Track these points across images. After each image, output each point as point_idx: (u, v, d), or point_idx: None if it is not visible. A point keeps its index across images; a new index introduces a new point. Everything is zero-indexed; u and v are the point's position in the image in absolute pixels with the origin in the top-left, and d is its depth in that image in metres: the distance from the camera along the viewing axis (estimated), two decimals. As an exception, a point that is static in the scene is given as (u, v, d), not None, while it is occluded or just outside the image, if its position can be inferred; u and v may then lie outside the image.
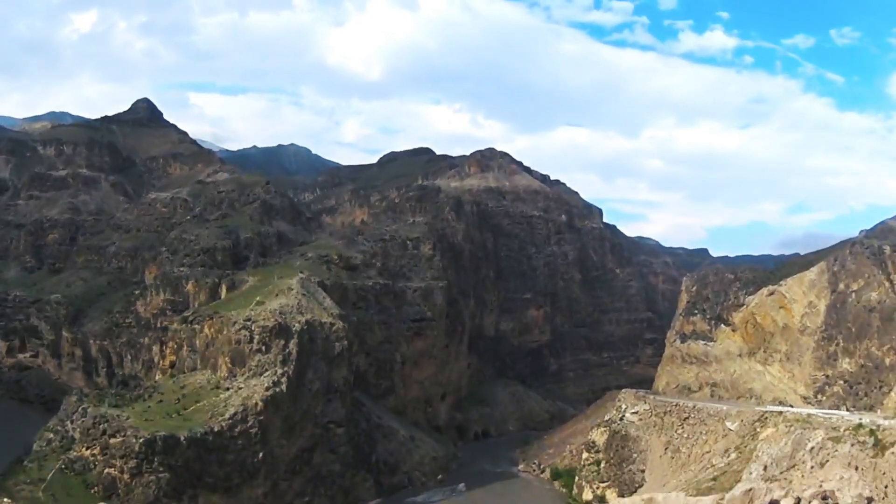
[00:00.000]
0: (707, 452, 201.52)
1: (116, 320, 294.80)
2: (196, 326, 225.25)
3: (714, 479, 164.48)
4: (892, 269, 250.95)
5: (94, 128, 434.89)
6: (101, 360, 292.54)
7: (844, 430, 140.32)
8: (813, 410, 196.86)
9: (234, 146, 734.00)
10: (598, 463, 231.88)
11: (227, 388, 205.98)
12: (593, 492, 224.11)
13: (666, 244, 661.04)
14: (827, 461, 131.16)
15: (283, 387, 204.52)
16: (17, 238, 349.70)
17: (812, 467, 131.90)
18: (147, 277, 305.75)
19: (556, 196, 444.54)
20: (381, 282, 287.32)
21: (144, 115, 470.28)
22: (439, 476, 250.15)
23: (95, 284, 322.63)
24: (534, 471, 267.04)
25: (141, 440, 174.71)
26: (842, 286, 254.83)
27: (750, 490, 60.37)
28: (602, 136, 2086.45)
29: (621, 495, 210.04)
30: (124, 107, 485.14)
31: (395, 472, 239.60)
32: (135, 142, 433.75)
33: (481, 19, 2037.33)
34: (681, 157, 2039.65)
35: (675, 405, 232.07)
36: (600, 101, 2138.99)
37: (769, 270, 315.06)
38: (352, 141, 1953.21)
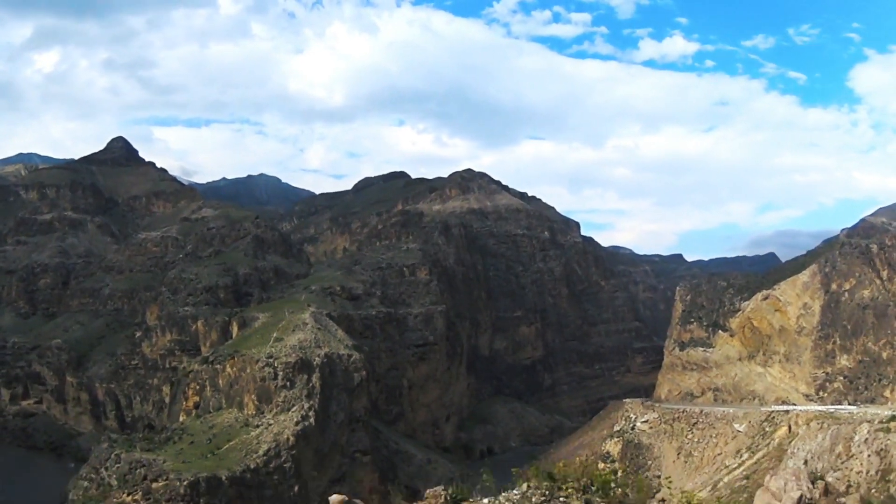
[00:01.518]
0: (719, 454, 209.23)
1: (122, 362, 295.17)
2: (217, 366, 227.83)
3: (746, 477, 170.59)
4: (880, 266, 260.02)
5: (74, 169, 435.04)
6: (109, 403, 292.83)
7: (889, 422, 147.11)
8: (822, 407, 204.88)
9: (202, 179, 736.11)
10: (614, 473, 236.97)
11: (258, 426, 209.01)
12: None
13: (638, 252, 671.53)
14: (882, 448, 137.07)
15: (312, 420, 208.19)
16: (9, 284, 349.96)
17: (869, 455, 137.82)
18: (149, 318, 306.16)
19: (537, 213, 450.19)
20: (383, 310, 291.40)
21: (121, 154, 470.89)
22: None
23: (94, 327, 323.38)
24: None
25: (185, 483, 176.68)
26: (834, 286, 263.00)
27: None
28: (567, 147, 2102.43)
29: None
30: (89, 144, 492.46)
31: (416, 496, 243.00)
32: (114, 181, 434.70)
33: (441, 39, 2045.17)
34: (647, 164, 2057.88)
35: (683, 411, 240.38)
36: (564, 114, 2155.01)
37: (761, 275, 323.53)
38: (317, 167, 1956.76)
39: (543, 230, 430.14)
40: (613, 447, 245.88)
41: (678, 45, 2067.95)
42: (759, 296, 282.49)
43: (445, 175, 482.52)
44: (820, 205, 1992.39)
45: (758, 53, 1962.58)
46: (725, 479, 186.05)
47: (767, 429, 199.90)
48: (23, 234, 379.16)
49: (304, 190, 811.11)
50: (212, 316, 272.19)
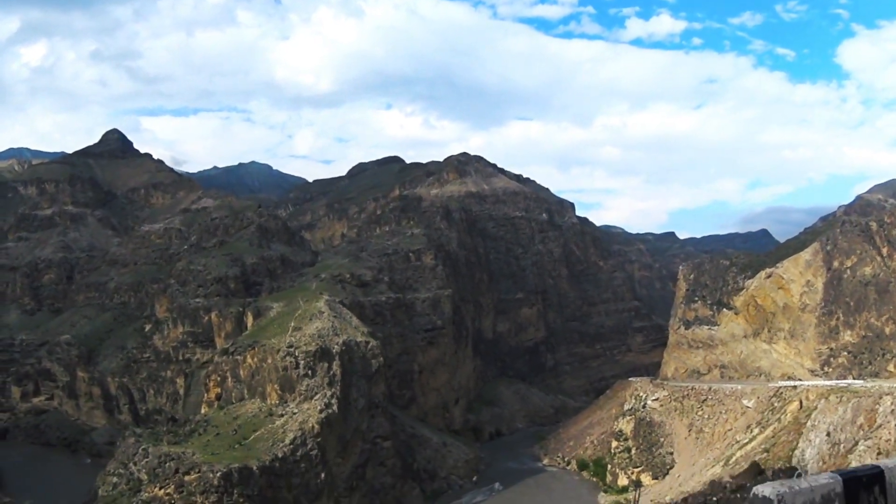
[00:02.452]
0: (729, 430, 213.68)
1: (134, 356, 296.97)
2: (238, 357, 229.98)
3: (766, 451, 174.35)
4: (880, 243, 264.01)
5: (72, 163, 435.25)
6: (122, 396, 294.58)
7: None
8: (830, 382, 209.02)
9: (192, 168, 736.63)
10: (628, 450, 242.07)
11: (282, 415, 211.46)
12: (628, 477, 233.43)
13: (630, 230, 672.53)
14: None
15: (335, 407, 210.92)
16: (13, 281, 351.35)
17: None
18: (158, 311, 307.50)
19: (534, 195, 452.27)
20: (392, 296, 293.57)
21: (116, 146, 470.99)
22: (474, 478, 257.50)
23: (101, 322, 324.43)
24: (559, 463, 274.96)
25: (218, 474, 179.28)
26: (836, 264, 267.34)
27: None
28: (555, 127, 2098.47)
29: (655, 478, 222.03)
30: (78, 137, 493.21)
31: (434, 478, 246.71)
32: (111, 174, 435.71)
33: (427, 22, 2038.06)
34: (636, 142, 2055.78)
35: (692, 389, 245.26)
36: (551, 94, 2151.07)
37: (763, 254, 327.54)
38: (306, 153, 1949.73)
39: (541, 212, 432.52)
40: (626, 425, 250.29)
41: (665, 24, 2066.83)
42: (762, 274, 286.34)
43: (437, 158, 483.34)
44: (810, 181, 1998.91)
45: (745, 31, 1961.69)
46: (738, 454, 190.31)
47: (776, 404, 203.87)
48: (24, 229, 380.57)
49: (295, 177, 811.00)
50: (225, 307, 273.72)
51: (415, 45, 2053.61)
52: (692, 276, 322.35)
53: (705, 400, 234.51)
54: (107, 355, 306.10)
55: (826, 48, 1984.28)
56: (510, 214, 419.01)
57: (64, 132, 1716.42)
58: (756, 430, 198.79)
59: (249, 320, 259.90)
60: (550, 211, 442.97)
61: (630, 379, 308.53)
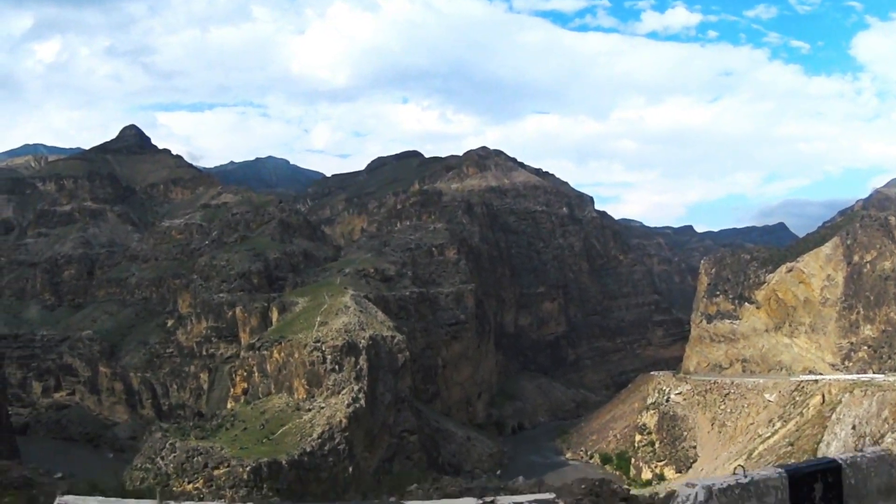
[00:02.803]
0: (751, 424, 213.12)
1: (156, 351, 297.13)
2: (265, 352, 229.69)
3: (791, 444, 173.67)
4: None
5: (90, 159, 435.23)
6: (145, 391, 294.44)
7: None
8: (852, 376, 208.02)
9: (208, 163, 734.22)
10: (651, 444, 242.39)
11: (309, 409, 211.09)
12: (652, 471, 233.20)
13: (648, 224, 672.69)
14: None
15: (362, 402, 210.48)
16: (33, 277, 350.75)
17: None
18: (181, 306, 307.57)
19: (555, 189, 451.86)
20: (416, 290, 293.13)
21: (134, 141, 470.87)
22: (498, 472, 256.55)
23: (123, 317, 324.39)
24: (582, 457, 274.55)
25: (248, 468, 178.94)
26: (856, 258, 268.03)
27: None
28: (572, 121, 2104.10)
29: (678, 471, 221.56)
30: (93, 133, 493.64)
31: (459, 472, 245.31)
32: (130, 170, 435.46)
33: (443, 16, 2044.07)
34: (653, 135, 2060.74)
35: (714, 383, 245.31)
36: (567, 87, 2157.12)
37: (784, 248, 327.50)
38: (323, 147, 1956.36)
39: (561, 206, 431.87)
40: (650, 419, 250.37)
41: (681, 17, 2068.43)
42: (783, 268, 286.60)
43: (455, 152, 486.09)
44: (826, 174, 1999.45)
45: (760, 23, 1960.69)
46: (760, 448, 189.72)
47: (798, 398, 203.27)
48: (43, 225, 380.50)
49: (312, 171, 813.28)
50: (250, 302, 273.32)
51: (431, 38, 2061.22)
52: (714, 270, 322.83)
53: (728, 394, 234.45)
54: (129, 350, 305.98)
55: (840, 41, 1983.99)
56: (531, 208, 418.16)
57: (79, 128, 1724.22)
58: (778, 424, 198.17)
59: (275, 315, 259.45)
60: (571, 205, 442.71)
61: (651, 373, 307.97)
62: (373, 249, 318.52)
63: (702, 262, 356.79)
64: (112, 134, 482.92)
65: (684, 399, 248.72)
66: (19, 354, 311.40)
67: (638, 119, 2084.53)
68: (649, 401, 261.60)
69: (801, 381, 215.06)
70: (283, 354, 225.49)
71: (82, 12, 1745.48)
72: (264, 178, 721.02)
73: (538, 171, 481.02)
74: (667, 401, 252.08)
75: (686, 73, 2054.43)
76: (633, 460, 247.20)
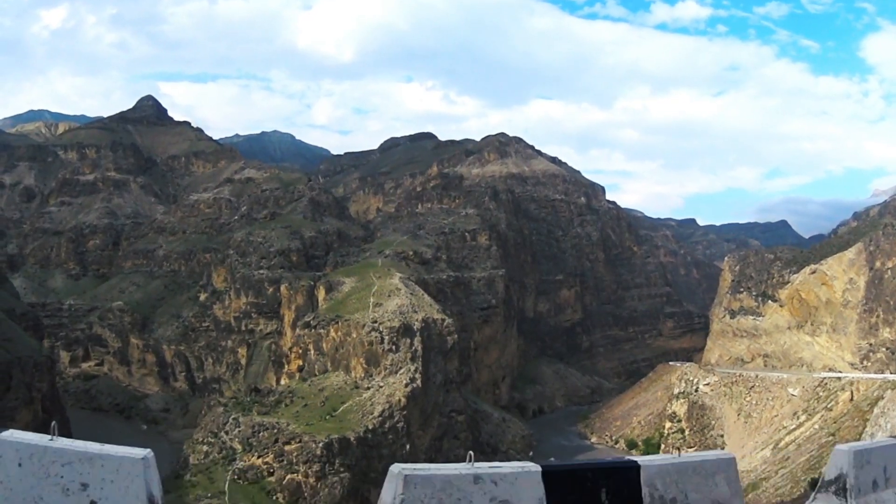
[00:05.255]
0: (776, 416, 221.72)
1: (191, 324, 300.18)
2: (321, 331, 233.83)
3: (832, 434, 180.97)
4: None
5: (111, 129, 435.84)
6: (179, 364, 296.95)
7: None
8: (876, 375, 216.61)
9: (211, 135, 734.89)
10: (681, 431, 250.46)
11: (368, 388, 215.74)
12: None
13: (650, 215, 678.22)
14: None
15: (419, 382, 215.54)
16: (58, 245, 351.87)
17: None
18: (215, 280, 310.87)
19: (573, 178, 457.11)
20: (452, 274, 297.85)
21: (151, 112, 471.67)
22: (530, 453, 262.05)
23: (151, 289, 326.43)
24: (607, 442, 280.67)
25: (321, 444, 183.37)
26: (878, 264, 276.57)
27: None
28: (576, 108, 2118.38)
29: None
30: (96, 100, 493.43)
31: (496, 452, 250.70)
32: (150, 141, 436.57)
33: None
34: (655, 126, 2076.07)
35: (740, 375, 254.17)
36: (573, 74, 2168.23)
37: (806, 250, 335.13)
38: (324, 123, 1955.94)
39: (579, 195, 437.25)
40: (679, 408, 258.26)
41: (691, 10, 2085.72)
42: (807, 269, 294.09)
43: (457, 133, 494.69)
44: (828, 172, 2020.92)
45: (770, 20, 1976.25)
46: (786, 439, 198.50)
47: (821, 394, 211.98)
48: (66, 194, 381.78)
49: (318, 147, 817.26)
50: (296, 280, 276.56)
51: (438, 19, 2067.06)
52: (738, 267, 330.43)
53: (753, 387, 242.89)
54: (161, 323, 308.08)
55: (850, 42, 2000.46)
56: (550, 197, 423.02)
57: (82, 95, 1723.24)
58: (803, 417, 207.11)
59: (321, 294, 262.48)
60: (588, 194, 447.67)
61: (670, 363, 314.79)
62: (408, 232, 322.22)
63: (726, 258, 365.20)
64: (115, 101, 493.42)
65: (712, 390, 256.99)
66: (47, 323, 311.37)
67: (642, 109, 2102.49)
68: (676, 390, 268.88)
69: (824, 377, 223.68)
70: (340, 333, 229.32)
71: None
72: (269, 152, 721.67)
73: (554, 160, 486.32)
74: (695, 391, 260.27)
75: (693, 65, 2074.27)
76: (662, 446, 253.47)
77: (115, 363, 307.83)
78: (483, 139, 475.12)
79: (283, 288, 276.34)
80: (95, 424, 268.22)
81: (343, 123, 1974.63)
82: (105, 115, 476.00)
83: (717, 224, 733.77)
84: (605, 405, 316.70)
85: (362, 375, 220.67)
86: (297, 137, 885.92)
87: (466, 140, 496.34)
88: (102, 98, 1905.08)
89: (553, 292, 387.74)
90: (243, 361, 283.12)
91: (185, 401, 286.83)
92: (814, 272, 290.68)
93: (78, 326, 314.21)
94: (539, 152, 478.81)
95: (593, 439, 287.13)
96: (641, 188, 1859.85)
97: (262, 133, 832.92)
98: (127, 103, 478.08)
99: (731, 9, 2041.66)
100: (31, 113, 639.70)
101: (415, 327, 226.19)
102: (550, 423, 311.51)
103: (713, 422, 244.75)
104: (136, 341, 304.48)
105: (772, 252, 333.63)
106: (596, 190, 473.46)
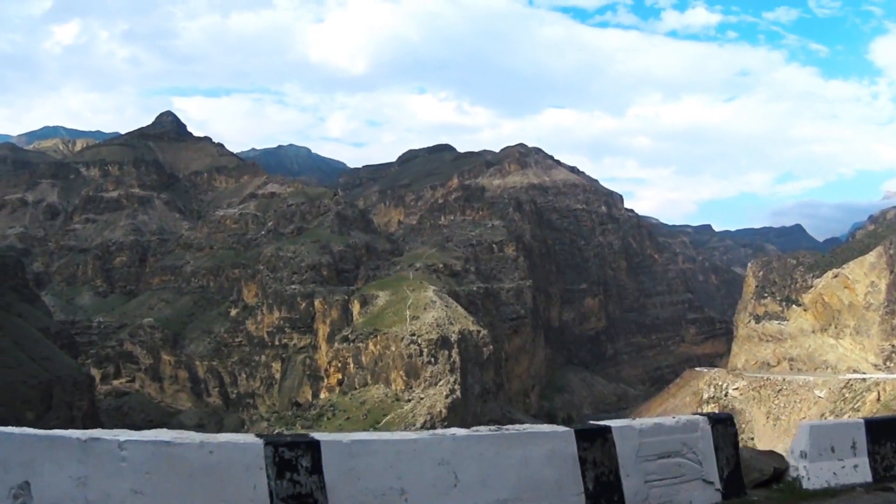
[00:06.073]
0: (803, 418, 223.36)
1: (224, 340, 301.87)
2: (360, 344, 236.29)
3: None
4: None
5: (133, 145, 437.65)
6: (212, 380, 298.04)
7: None
8: (890, 375, 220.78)
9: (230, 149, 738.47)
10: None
11: (409, 400, 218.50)
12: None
13: (665, 222, 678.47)
14: None
15: (458, 393, 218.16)
16: (84, 263, 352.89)
17: None
18: (246, 296, 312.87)
19: (593, 188, 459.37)
20: (482, 286, 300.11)
21: (171, 128, 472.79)
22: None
23: (180, 305, 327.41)
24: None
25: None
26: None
27: None
28: (588, 116, 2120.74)
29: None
30: (110, 115, 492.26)
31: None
32: (172, 157, 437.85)
33: (463, 8, 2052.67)
34: (668, 132, 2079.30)
35: (768, 379, 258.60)
36: (585, 82, 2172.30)
37: (828, 254, 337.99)
38: (338, 135, 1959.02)
39: (600, 204, 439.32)
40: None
41: (700, 16, 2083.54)
42: (829, 273, 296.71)
43: (471, 144, 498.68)
44: (839, 175, 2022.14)
45: (779, 25, 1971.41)
46: None
47: (847, 395, 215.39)
48: (90, 211, 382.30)
49: (335, 160, 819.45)
50: (330, 294, 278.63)
51: (450, 30, 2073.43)
52: (761, 272, 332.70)
53: (780, 390, 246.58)
54: (193, 339, 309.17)
55: (859, 45, 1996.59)
56: (572, 206, 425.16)
57: (96, 111, 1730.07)
58: (831, 418, 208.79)
59: (356, 308, 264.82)
60: (608, 203, 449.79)
61: (697, 369, 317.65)
62: (436, 244, 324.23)
63: (749, 264, 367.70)
64: (129, 117, 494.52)
65: (741, 394, 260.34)
66: (76, 341, 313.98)
67: (654, 116, 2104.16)
68: (706, 395, 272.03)
69: (849, 379, 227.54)
70: (379, 347, 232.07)
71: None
72: (286, 165, 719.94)
73: (573, 169, 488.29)
74: (725, 395, 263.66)
75: (703, 71, 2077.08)
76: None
77: (147, 380, 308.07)
78: (503, 150, 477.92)
79: (316, 302, 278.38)
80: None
81: (357, 136, 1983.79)
82: (120, 131, 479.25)
83: (733, 229, 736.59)
84: (633, 412, 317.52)
85: (402, 388, 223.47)
86: (313, 151, 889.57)
87: (485, 151, 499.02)
88: (116, 113, 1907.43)
89: (577, 301, 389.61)
90: (277, 376, 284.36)
91: (220, 416, 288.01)
92: (836, 276, 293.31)
93: (108, 344, 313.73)
94: (558, 162, 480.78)
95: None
96: (655, 195, 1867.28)
97: (279, 147, 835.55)
98: (141, 118, 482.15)
99: (740, 14, 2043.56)
100: (46, 129, 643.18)
101: (452, 339, 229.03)
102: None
103: (743, 425, 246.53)
104: (167, 357, 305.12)
105: (794, 257, 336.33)
106: (615, 198, 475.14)
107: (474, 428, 15.88)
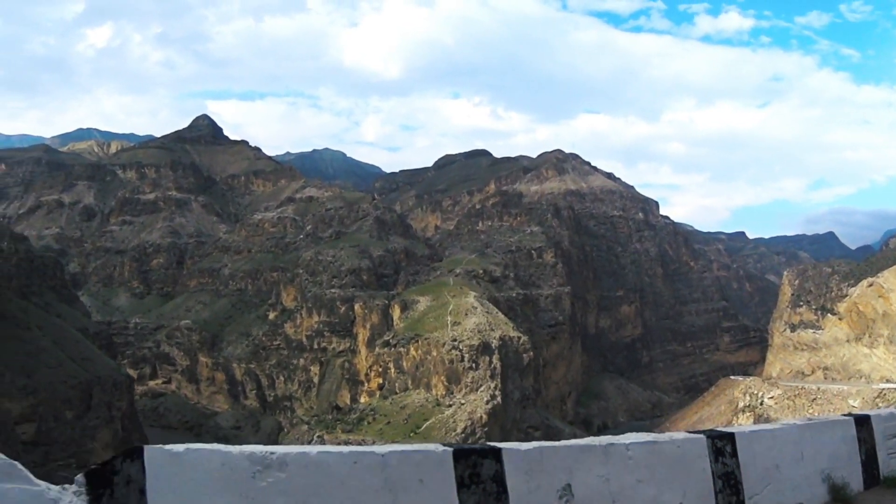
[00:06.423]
0: None
1: (262, 343, 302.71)
2: (401, 349, 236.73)
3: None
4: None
5: (169, 148, 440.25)
6: (249, 382, 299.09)
7: None
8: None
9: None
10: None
11: (450, 405, 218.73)
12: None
13: (699, 229, 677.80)
14: None
15: (499, 399, 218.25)
16: (121, 264, 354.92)
17: None
18: (284, 299, 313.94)
19: (630, 194, 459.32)
20: (521, 292, 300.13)
21: (207, 131, 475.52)
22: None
23: (218, 308, 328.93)
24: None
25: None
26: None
27: None
28: (623, 121, 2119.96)
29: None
30: (143, 118, 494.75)
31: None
32: (209, 160, 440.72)
33: (497, 12, 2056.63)
34: (702, 138, 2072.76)
35: (802, 388, 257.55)
36: (619, 87, 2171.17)
37: (863, 263, 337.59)
38: (372, 139, 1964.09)
39: (637, 211, 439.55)
40: (745, 421, 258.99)
41: (734, 21, 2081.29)
42: (864, 283, 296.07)
43: (506, 149, 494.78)
44: (872, 182, 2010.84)
45: (812, 30, 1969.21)
46: None
47: (881, 404, 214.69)
48: (127, 213, 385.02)
49: (370, 165, 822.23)
50: (370, 299, 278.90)
51: (484, 34, 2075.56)
52: (797, 281, 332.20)
53: (815, 399, 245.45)
54: (231, 341, 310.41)
55: (890, 49, 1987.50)
56: (609, 213, 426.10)
57: (129, 113, 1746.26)
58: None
59: (396, 313, 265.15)
60: (644, 210, 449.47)
61: (732, 378, 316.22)
62: (475, 250, 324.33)
63: (784, 273, 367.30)
64: (162, 120, 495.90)
65: (776, 403, 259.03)
66: (114, 342, 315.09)
67: (688, 121, 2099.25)
68: (741, 404, 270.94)
69: (883, 388, 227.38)
70: (420, 352, 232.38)
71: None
72: (321, 169, 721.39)
73: (610, 175, 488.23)
74: (760, 404, 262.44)
75: (737, 76, 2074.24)
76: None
77: (184, 381, 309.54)
78: (540, 156, 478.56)
79: (356, 307, 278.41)
80: (169, 442, 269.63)
81: (391, 140, 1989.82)
82: (154, 134, 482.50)
83: (766, 237, 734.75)
84: (668, 419, 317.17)
85: (443, 393, 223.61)
86: (348, 154, 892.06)
87: (522, 157, 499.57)
88: (150, 116, 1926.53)
89: (614, 308, 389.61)
90: (316, 379, 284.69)
91: (257, 418, 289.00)
92: (871, 285, 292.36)
93: (145, 345, 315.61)
94: (595, 168, 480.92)
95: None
96: (689, 201, 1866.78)
97: (314, 150, 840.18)
98: (174, 121, 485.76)
99: (773, 19, 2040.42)
100: (80, 131, 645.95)
101: (493, 345, 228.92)
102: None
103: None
104: (205, 359, 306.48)
105: (829, 266, 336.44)
106: (651, 205, 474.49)
107: (807, 417, 21.91)
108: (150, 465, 10.70)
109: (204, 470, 11.02)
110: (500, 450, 13.65)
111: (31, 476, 10.75)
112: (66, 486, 10.53)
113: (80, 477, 10.84)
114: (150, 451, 10.88)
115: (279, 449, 11.57)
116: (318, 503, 11.77)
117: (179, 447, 11.14)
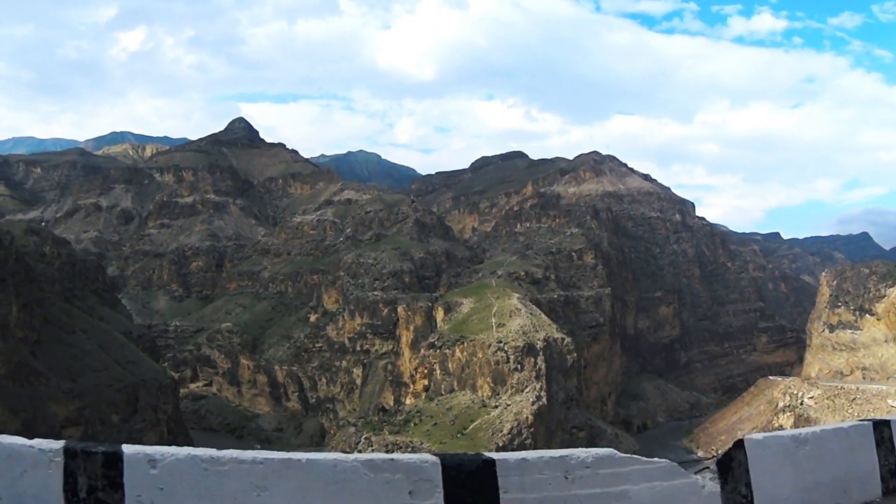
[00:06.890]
0: None
1: (304, 345, 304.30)
2: (447, 351, 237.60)
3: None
4: None
5: (207, 151, 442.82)
6: (291, 385, 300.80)
7: None
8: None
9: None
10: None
11: (496, 406, 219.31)
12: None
13: (734, 230, 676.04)
14: None
15: (545, 400, 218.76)
16: (160, 267, 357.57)
17: None
18: (326, 301, 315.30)
19: (666, 196, 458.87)
20: (562, 293, 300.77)
21: (243, 134, 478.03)
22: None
23: (259, 310, 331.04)
24: (714, 455, 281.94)
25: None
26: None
27: None
28: (656, 123, 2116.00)
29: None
30: (177, 121, 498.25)
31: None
32: (246, 163, 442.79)
33: (531, 14, 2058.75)
34: (735, 139, 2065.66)
35: (842, 388, 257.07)
36: (653, 89, 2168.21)
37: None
38: (406, 141, 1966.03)
39: (674, 212, 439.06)
40: (786, 421, 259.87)
41: (766, 22, 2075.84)
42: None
43: (541, 151, 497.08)
44: None
45: (844, 31, 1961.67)
46: None
47: None
48: (165, 216, 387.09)
49: (404, 167, 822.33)
50: (413, 301, 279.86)
51: (517, 35, 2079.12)
52: (835, 282, 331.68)
53: (854, 399, 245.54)
54: (272, 344, 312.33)
55: None
56: (646, 214, 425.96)
57: (163, 116, 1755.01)
58: None
59: (440, 315, 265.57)
60: (682, 211, 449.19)
61: (771, 378, 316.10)
62: (516, 252, 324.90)
63: (822, 273, 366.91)
64: (196, 122, 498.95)
65: (816, 403, 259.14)
66: (157, 345, 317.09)
67: (722, 123, 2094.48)
68: (781, 404, 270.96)
69: None
70: (465, 353, 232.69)
71: (167, 2, 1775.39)
72: (356, 171, 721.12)
73: (646, 177, 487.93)
74: (800, 404, 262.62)
75: (770, 78, 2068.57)
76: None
77: (225, 383, 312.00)
78: (577, 157, 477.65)
79: (400, 309, 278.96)
80: (212, 444, 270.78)
81: (426, 142, 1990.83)
82: (188, 136, 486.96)
83: (800, 237, 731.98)
84: (707, 420, 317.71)
85: (489, 394, 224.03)
86: (382, 157, 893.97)
87: (558, 158, 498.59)
88: (183, 119, 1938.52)
89: (652, 309, 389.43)
90: (358, 381, 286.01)
91: (299, 420, 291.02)
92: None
93: (185, 347, 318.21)
94: (632, 170, 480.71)
95: (700, 453, 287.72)
96: (723, 202, 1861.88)
97: (349, 153, 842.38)
98: (208, 124, 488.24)
99: (805, 20, 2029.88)
100: (114, 135, 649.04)
101: (538, 346, 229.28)
102: (655, 438, 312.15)
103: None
104: (246, 362, 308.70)
105: (867, 266, 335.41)
106: (687, 206, 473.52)
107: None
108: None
109: None
110: None
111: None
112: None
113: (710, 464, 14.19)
114: None
115: None
116: None
117: None
